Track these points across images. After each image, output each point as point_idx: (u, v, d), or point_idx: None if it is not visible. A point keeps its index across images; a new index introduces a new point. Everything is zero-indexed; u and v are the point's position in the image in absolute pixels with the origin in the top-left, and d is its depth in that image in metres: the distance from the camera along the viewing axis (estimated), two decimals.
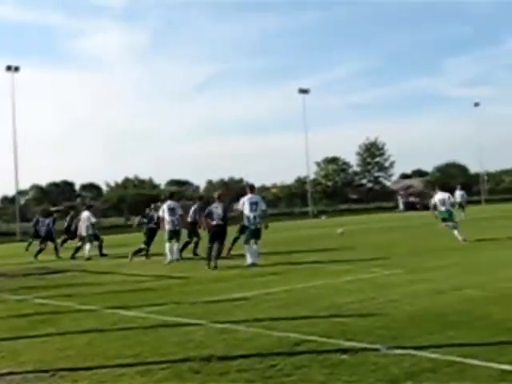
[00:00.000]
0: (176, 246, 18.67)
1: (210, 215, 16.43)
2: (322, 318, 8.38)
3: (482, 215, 38.44)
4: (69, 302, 11.22)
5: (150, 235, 20.36)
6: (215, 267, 15.68)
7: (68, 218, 26.27)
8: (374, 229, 33.32)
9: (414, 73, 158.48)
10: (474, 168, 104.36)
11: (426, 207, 66.79)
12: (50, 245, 24.43)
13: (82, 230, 22.71)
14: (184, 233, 19.92)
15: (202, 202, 20.35)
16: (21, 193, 77.30)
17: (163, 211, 18.73)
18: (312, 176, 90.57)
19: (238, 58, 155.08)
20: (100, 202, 75.33)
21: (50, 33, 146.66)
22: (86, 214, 23.00)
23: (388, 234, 27.63)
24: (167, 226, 18.59)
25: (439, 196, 20.80)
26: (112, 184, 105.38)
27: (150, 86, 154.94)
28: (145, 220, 21.07)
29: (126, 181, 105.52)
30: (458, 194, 35.66)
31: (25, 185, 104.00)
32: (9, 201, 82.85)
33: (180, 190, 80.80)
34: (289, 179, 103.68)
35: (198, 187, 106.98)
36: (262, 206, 16.73)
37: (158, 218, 19.18)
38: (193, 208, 20.19)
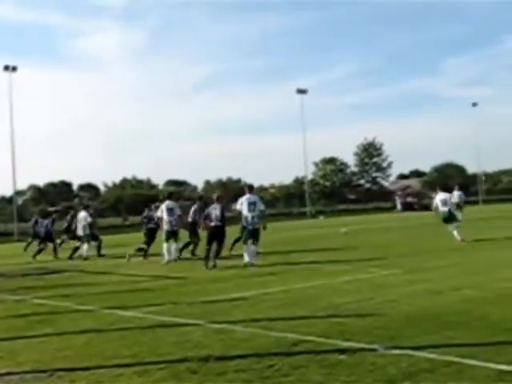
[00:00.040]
0: (174, 246, 18.68)
1: (208, 216, 16.49)
2: (319, 318, 8.39)
3: (479, 215, 38.48)
4: (67, 302, 11.21)
5: (150, 235, 20.38)
6: (214, 266, 15.73)
7: (68, 218, 26.25)
8: (372, 229, 33.32)
9: (412, 73, 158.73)
10: (471, 168, 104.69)
11: (424, 207, 67.21)
12: (50, 245, 24.45)
13: (79, 229, 22.75)
14: (184, 233, 19.94)
15: (202, 202, 20.33)
16: (18, 193, 77.23)
17: (162, 211, 18.79)
18: (310, 176, 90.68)
19: (236, 58, 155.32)
20: (98, 202, 75.22)
21: (49, 33, 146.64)
22: (82, 213, 23.02)
23: (386, 235, 27.63)
24: (165, 226, 18.64)
25: (441, 196, 20.89)
26: (110, 184, 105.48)
27: (148, 86, 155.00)
28: (145, 220, 21.12)
29: (124, 181, 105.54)
30: (456, 194, 35.70)
31: (22, 185, 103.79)
32: (6, 201, 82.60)
33: (178, 190, 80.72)
34: (287, 179, 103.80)
35: (195, 187, 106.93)
36: (261, 207, 16.73)
37: (158, 218, 19.23)
38: (193, 208, 20.17)
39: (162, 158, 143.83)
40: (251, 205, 16.38)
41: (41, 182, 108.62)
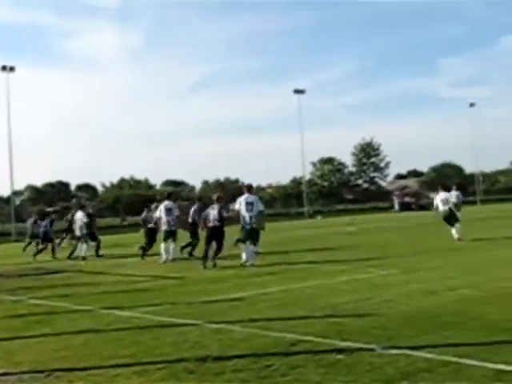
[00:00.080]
0: (172, 246, 18.71)
1: (206, 217, 16.60)
2: (317, 318, 8.39)
3: (477, 215, 38.50)
4: (64, 302, 11.20)
5: (151, 236, 20.34)
6: (214, 266, 15.80)
7: (69, 217, 26.26)
8: (370, 229, 33.35)
9: (409, 73, 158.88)
10: (469, 168, 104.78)
11: (422, 207, 67.23)
12: (50, 245, 24.50)
13: (76, 230, 22.75)
14: (183, 233, 19.97)
15: (202, 203, 20.31)
16: (16, 193, 77.12)
17: (160, 211, 18.84)
18: (308, 176, 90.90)
19: (232, 59, 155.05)
20: (96, 202, 75.14)
21: (44, 33, 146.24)
22: (79, 214, 23.03)
23: (383, 234, 27.66)
24: (163, 227, 18.69)
25: (442, 196, 21.05)
26: (107, 184, 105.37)
27: (145, 87, 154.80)
28: (145, 220, 21.16)
29: (122, 181, 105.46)
30: (454, 194, 35.78)
31: (20, 185, 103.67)
32: (4, 201, 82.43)
33: (176, 190, 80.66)
34: (284, 179, 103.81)
35: (193, 187, 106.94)
36: (260, 207, 16.74)
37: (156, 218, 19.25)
38: (192, 209, 20.16)
39: (160, 158, 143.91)
40: (249, 205, 16.39)
41: (38, 182, 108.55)
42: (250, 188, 17.27)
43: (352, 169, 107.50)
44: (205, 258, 16.00)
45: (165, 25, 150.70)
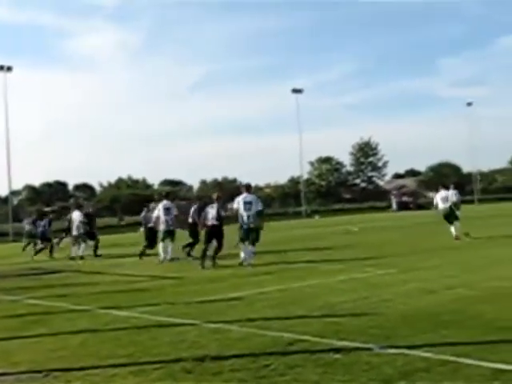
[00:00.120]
0: (170, 245, 18.71)
1: (205, 216, 16.68)
2: (315, 317, 8.39)
3: (474, 214, 38.54)
4: (62, 302, 11.19)
5: (151, 236, 20.28)
6: (214, 265, 15.87)
7: (69, 217, 26.24)
8: (368, 228, 33.35)
9: (408, 73, 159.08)
10: (466, 167, 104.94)
11: (419, 207, 67.28)
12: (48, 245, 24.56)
13: (73, 229, 22.74)
14: (182, 233, 19.96)
15: (202, 202, 20.27)
16: (14, 193, 77.10)
17: (159, 211, 18.85)
18: (305, 176, 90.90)
19: (231, 59, 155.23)
20: (93, 202, 75.13)
21: (43, 33, 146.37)
22: (76, 213, 23.02)
23: (381, 234, 27.68)
24: (161, 226, 18.69)
25: (442, 194, 21.21)
26: (105, 184, 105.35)
27: (143, 87, 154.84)
28: (143, 221, 21.15)
29: (120, 181, 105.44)
30: (451, 193, 35.84)
31: (18, 185, 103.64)
32: (2, 201, 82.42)
33: (174, 189, 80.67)
34: (282, 179, 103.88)
35: (191, 187, 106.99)
36: (258, 206, 16.75)
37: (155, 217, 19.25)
38: (193, 208, 20.14)
39: (158, 157, 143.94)
40: (247, 204, 16.39)
41: (36, 182, 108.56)
42: (248, 187, 17.26)
43: (350, 168, 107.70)
44: (203, 257, 16.01)
45: (164, 25, 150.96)
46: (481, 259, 14.69)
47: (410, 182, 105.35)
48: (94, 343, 7.52)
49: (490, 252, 16.18)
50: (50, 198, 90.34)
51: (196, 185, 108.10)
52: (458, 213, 21.18)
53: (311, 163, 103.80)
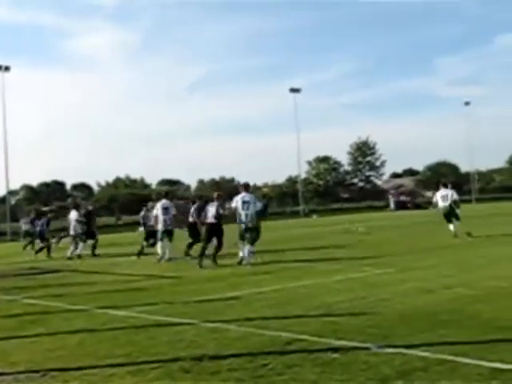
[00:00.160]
0: (168, 245, 18.70)
1: (205, 214, 16.76)
2: (313, 317, 8.38)
3: (472, 213, 38.56)
4: (59, 302, 11.17)
5: (152, 235, 20.23)
6: (215, 263, 15.88)
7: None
8: (365, 228, 33.33)
9: (406, 73, 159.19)
10: (464, 167, 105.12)
11: (417, 206, 67.27)
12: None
13: (71, 229, 22.73)
14: (182, 233, 19.96)
15: (202, 201, 20.24)
16: (11, 193, 76.96)
17: (157, 210, 18.87)
18: (303, 175, 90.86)
19: (231, 58, 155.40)
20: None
21: (43, 33, 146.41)
22: (73, 213, 23.02)
23: (379, 233, 27.66)
24: (159, 225, 18.69)
25: (442, 192, 21.28)
26: (103, 184, 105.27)
27: (143, 86, 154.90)
28: (142, 221, 21.13)
29: (117, 180, 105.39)
30: (451, 191, 35.92)
31: (15, 185, 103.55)
32: None
33: (171, 189, 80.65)
34: (280, 178, 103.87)
35: (189, 187, 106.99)
36: (258, 206, 16.78)
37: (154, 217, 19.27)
38: (193, 207, 20.12)
39: (156, 157, 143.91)
40: (245, 203, 16.41)
41: (34, 182, 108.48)
42: (247, 187, 17.27)
43: (348, 168, 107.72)
44: (201, 256, 16.02)
45: (164, 25, 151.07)
46: (479, 258, 14.69)
47: (407, 182, 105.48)
48: (91, 343, 7.51)
49: (489, 251, 16.19)
50: (48, 198, 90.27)
51: (194, 184, 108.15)
52: (458, 211, 21.23)
53: (309, 163, 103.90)
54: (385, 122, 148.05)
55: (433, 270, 12.95)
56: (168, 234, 18.72)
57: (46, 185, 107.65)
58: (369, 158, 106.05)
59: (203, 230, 17.17)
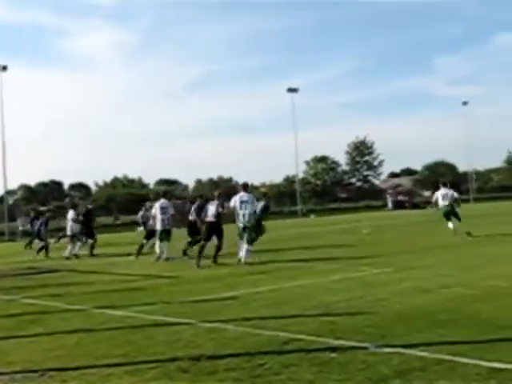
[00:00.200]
0: (166, 245, 18.69)
1: (205, 213, 16.82)
2: (310, 316, 8.38)
3: (471, 213, 38.56)
4: (57, 301, 11.15)
5: (151, 235, 20.20)
6: (215, 262, 15.95)
7: None
8: (363, 227, 33.32)
9: (405, 72, 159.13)
10: (462, 167, 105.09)
11: (415, 206, 67.30)
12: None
13: (68, 229, 22.72)
14: (182, 232, 19.95)
15: (203, 200, 20.21)
16: (9, 192, 76.85)
17: (155, 209, 18.88)
18: (301, 175, 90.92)
19: (228, 58, 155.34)
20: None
21: (42, 33, 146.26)
22: (70, 213, 23.02)
23: (377, 233, 27.65)
24: (158, 225, 18.70)
25: (442, 191, 21.35)
26: (101, 183, 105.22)
27: (142, 86, 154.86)
28: (141, 220, 21.13)
29: (115, 180, 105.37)
30: (451, 190, 35.97)
31: (13, 184, 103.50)
32: None
33: (169, 189, 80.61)
34: (278, 178, 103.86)
35: (187, 186, 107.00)
36: (258, 206, 16.82)
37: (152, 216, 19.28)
38: (193, 207, 20.10)
39: (154, 157, 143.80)
40: (243, 203, 16.43)
41: (32, 182, 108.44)
42: (245, 186, 17.29)
43: (345, 167, 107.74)
44: (199, 256, 16.03)
45: (163, 25, 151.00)
46: (477, 258, 14.70)
47: (405, 181, 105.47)
48: (89, 343, 7.50)
49: (487, 250, 16.20)
50: (46, 198, 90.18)
51: (191, 184, 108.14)
52: (458, 210, 21.28)
53: (307, 162, 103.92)
54: (383, 122, 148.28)
55: (431, 269, 12.96)
56: (166, 233, 18.72)
57: (43, 184, 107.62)
58: (367, 158, 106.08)
59: (203, 228, 17.18)
